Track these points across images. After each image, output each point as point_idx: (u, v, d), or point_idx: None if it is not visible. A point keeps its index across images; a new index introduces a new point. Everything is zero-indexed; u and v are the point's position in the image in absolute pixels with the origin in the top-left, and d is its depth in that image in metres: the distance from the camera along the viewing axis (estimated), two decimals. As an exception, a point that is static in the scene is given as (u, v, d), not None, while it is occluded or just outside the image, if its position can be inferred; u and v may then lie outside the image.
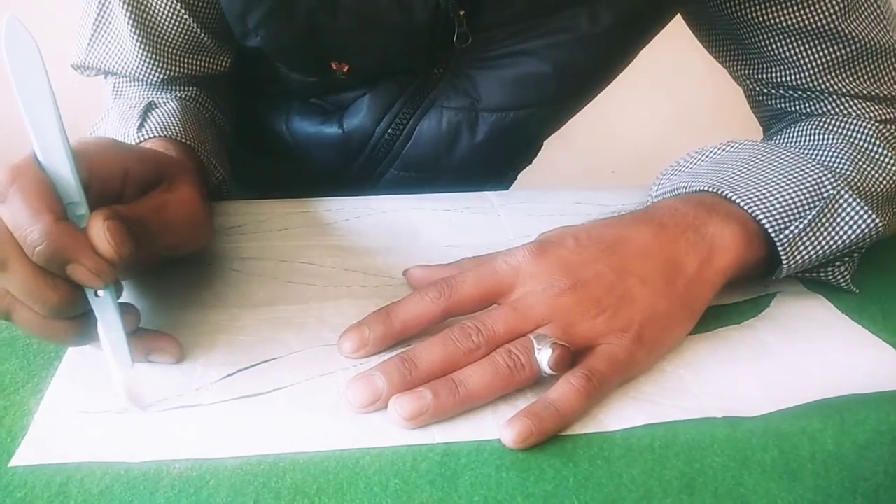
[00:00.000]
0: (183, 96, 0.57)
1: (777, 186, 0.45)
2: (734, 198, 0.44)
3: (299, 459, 0.33)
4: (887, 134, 0.52)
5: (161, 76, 0.56)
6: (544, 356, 0.36)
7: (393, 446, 0.34)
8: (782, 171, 0.46)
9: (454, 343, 0.37)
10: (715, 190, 0.45)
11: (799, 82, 0.55)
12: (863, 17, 0.52)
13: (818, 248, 0.44)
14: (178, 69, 0.57)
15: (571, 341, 0.37)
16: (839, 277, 0.47)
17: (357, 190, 0.65)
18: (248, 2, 0.52)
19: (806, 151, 0.50)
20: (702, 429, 0.36)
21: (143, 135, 0.49)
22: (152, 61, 0.55)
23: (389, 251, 0.49)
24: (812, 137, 0.53)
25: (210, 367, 0.38)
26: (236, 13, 0.53)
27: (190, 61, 0.57)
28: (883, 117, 0.53)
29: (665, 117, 1.64)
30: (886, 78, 0.53)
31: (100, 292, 0.34)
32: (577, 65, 0.57)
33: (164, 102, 0.54)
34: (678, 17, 0.61)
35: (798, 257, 0.43)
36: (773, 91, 0.57)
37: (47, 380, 0.37)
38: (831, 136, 0.52)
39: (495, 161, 0.66)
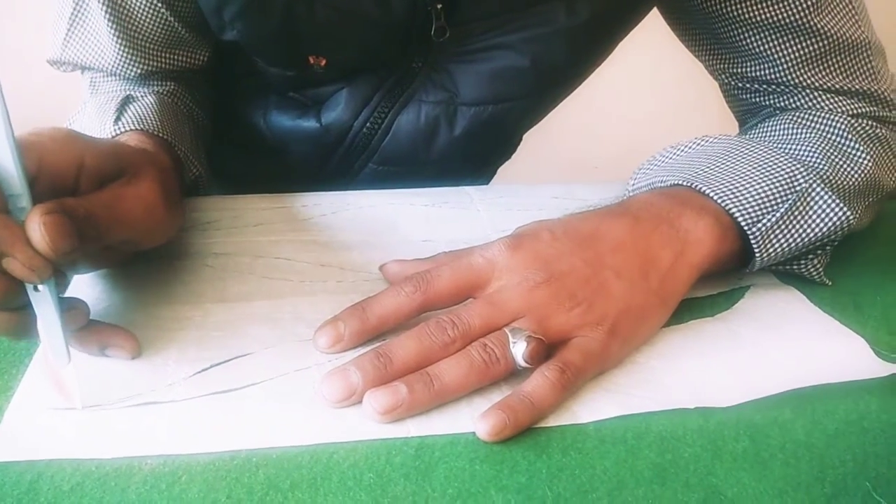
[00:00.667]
0: (161, 90, 0.57)
1: (750, 180, 0.45)
2: (708, 191, 0.44)
3: (272, 454, 0.33)
4: (859, 128, 0.52)
5: (138, 70, 0.56)
6: (519, 349, 0.36)
7: (367, 440, 0.34)
8: (755, 165, 0.46)
9: (429, 337, 0.37)
10: (689, 184, 0.45)
11: (773, 77, 0.55)
12: (834, 12, 0.52)
13: (791, 240, 0.44)
14: (155, 63, 0.56)
15: (546, 334, 0.37)
16: (812, 270, 0.47)
17: (335, 185, 0.65)
18: None
19: (779, 145, 0.51)
20: (674, 420, 0.36)
21: (119, 128, 0.48)
22: (129, 56, 0.55)
23: (366, 246, 0.49)
24: (785, 132, 0.54)
25: (183, 362, 0.37)
26: (212, 7, 0.53)
27: (167, 56, 0.57)
28: (855, 111, 0.54)
29: (647, 112, 1.65)
30: (858, 72, 0.54)
31: (39, 287, 0.33)
32: (555, 58, 0.57)
33: (141, 96, 0.54)
34: (656, 12, 0.62)
35: (771, 250, 0.44)
36: (748, 85, 0.58)
37: (17, 377, 0.36)
38: (804, 131, 0.53)
39: (473, 155, 0.66)
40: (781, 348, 0.41)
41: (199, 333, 0.40)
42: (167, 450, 0.33)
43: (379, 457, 0.33)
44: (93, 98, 0.55)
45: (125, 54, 0.55)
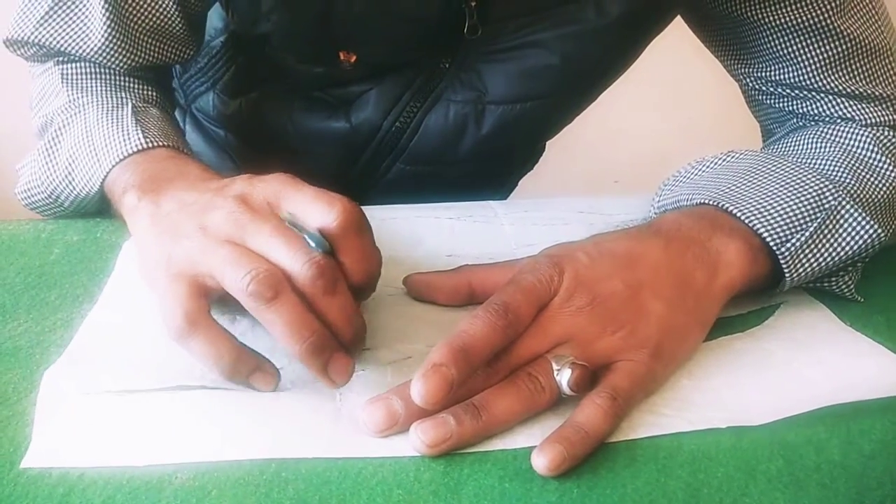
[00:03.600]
0: (147, 97, 0.55)
1: (778, 198, 0.45)
2: (734, 211, 0.44)
3: (301, 469, 0.33)
4: (884, 140, 0.52)
5: (125, 62, 0.54)
6: (564, 377, 0.35)
7: (395, 456, 0.34)
8: (783, 183, 0.46)
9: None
10: (715, 203, 0.45)
11: (796, 80, 0.55)
12: (857, 15, 0.52)
13: (821, 260, 0.44)
14: (141, 56, 0.55)
15: (590, 359, 0.36)
16: (843, 287, 0.47)
17: (361, 187, 0.65)
18: None
19: (806, 162, 0.50)
20: (706, 439, 0.35)
21: (149, 142, 0.48)
22: (117, 44, 0.53)
23: (391, 260, 0.49)
24: (810, 146, 0.54)
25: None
26: None
27: (156, 47, 0.55)
28: (877, 120, 0.54)
29: (668, 126, 1.64)
30: (880, 77, 0.54)
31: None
32: (584, 56, 0.57)
33: (144, 107, 0.53)
34: (680, 21, 0.62)
35: (801, 269, 0.43)
36: (772, 89, 0.58)
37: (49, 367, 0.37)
38: (829, 146, 0.53)
39: (501, 156, 0.66)
40: (813, 366, 0.41)
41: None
42: (197, 456, 0.33)
43: (408, 473, 0.33)
44: (90, 100, 0.53)
45: (114, 42, 0.53)
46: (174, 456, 0.33)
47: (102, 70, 0.55)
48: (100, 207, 0.50)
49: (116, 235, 0.50)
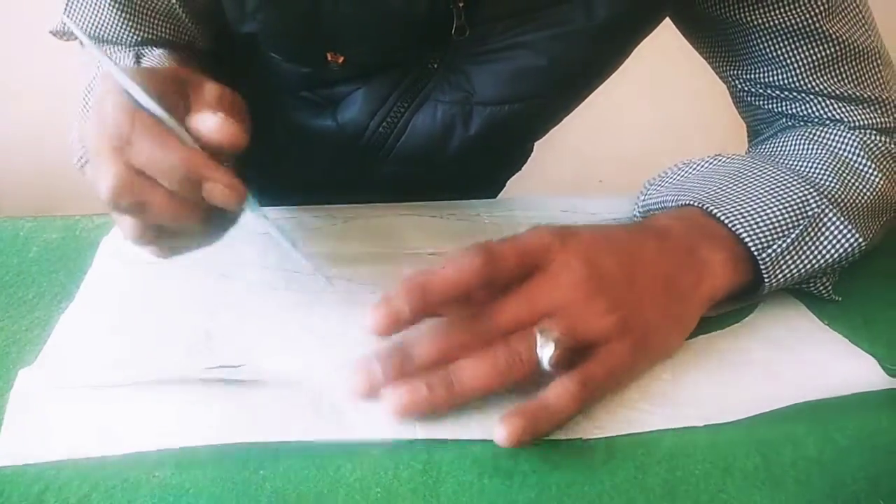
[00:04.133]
0: (167, 51, 0.56)
1: (761, 203, 0.45)
2: (718, 214, 0.44)
3: (279, 467, 0.33)
4: (871, 144, 0.52)
5: (138, 36, 0.55)
6: (546, 352, 0.35)
7: (374, 453, 0.34)
8: (767, 188, 0.46)
9: (455, 332, 0.36)
10: (700, 205, 0.45)
11: (785, 82, 0.56)
12: (845, 18, 0.53)
13: (800, 266, 0.44)
14: (155, 31, 0.55)
15: (576, 336, 0.36)
16: (821, 288, 0.47)
17: (350, 185, 0.64)
18: None
19: (792, 166, 0.51)
20: (684, 436, 0.36)
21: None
22: (127, 20, 0.54)
23: (374, 258, 0.49)
24: (796, 148, 0.54)
25: (192, 363, 0.38)
26: None
27: (167, 26, 0.56)
28: (864, 122, 0.54)
29: (653, 127, 1.65)
30: (867, 79, 0.54)
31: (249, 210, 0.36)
32: (572, 58, 0.57)
33: (150, 50, 0.54)
34: (668, 24, 0.62)
35: (780, 275, 0.44)
36: (760, 91, 0.58)
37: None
38: (815, 147, 0.53)
39: (488, 157, 0.66)
40: (789, 364, 0.41)
41: (208, 340, 0.40)
42: (172, 442, 0.33)
43: (386, 471, 0.33)
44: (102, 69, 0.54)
45: (122, 18, 0.54)
46: (149, 444, 0.33)
47: (122, 47, 0.56)
48: None
49: (95, 234, 0.50)
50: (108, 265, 0.46)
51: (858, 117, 0.54)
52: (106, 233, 0.50)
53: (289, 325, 0.41)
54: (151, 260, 0.45)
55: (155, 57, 0.53)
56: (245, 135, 0.35)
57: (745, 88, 0.59)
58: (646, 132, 1.64)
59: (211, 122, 0.35)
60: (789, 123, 0.58)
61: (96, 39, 0.56)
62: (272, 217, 0.37)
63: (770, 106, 0.58)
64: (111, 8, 0.54)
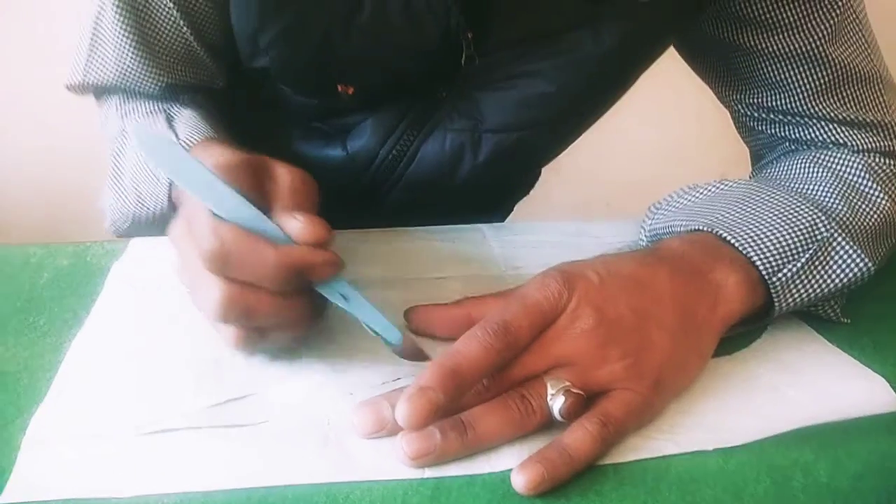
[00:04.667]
0: (189, 102, 0.57)
1: (771, 228, 0.45)
2: (729, 238, 0.44)
3: (288, 495, 0.33)
4: (875, 167, 0.52)
5: (160, 82, 0.56)
6: (557, 403, 0.35)
7: (383, 480, 0.34)
8: (776, 212, 0.46)
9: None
10: (710, 229, 0.45)
11: (788, 106, 0.56)
12: (848, 43, 0.53)
13: (810, 291, 0.44)
14: (174, 76, 0.57)
15: (587, 385, 0.36)
16: (829, 312, 0.47)
17: (359, 212, 0.65)
18: (262, 20, 0.52)
19: (798, 189, 0.51)
20: (694, 461, 0.35)
21: (182, 143, 0.49)
22: (150, 67, 0.55)
23: (381, 283, 0.49)
24: (802, 171, 0.54)
25: (199, 394, 0.38)
26: (248, 32, 0.53)
27: (187, 70, 0.57)
28: (868, 146, 0.54)
29: (659, 150, 1.66)
30: (869, 104, 0.54)
31: (344, 292, 0.38)
32: (580, 85, 0.58)
33: (178, 112, 0.55)
34: (671, 51, 0.62)
35: (790, 299, 0.44)
36: (763, 115, 0.58)
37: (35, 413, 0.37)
38: (821, 171, 0.53)
39: (497, 183, 0.66)
40: (799, 387, 0.41)
41: (216, 368, 0.40)
42: (182, 486, 0.33)
43: (395, 498, 0.33)
44: (129, 121, 0.56)
45: (146, 66, 0.55)
46: (159, 487, 0.33)
47: (145, 98, 0.58)
48: None
49: (106, 259, 0.50)
50: (119, 291, 0.47)
51: (861, 141, 0.54)
52: (116, 258, 0.50)
53: (297, 350, 0.42)
54: (162, 286, 0.46)
55: (185, 118, 0.54)
56: (327, 229, 0.37)
57: (748, 113, 0.60)
58: (653, 156, 1.65)
59: (294, 226, 0.36)
60: (792, 148, 0.58)
61: (121, 90, 0.58)
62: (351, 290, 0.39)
63: (773, 130, 0.58)
64: (134, 55, 0.55)
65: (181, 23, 0.54)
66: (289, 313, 0.37)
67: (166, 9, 0.53)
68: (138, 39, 0.54)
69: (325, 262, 0.37)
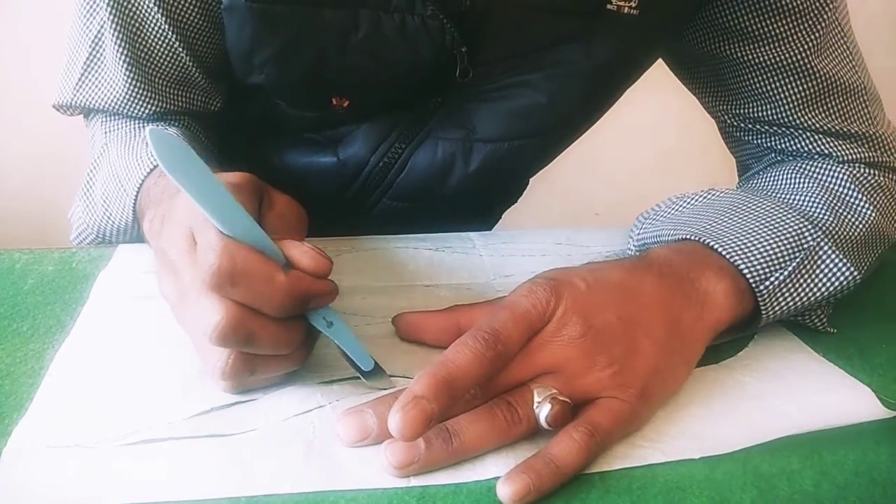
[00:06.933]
0: (177, 125, 0.57)
1: (758, 236, 0.45)
2: (716, 247, 0.44)
3: (273, 502, 0.32)
4: (861, 177, 0.53)
5: (150, 109, 0.56)
6: (543, 411, 0.35)
7: (368, 489, 0.33)
8: (763, 221, 0.47)
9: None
10: (698, 238, 0.45)
11: (773, 117, 0.57)
12: (833, 55, 0.54)
13: (797, 299, 0.44)
14: (168, 102, 0.56)
15: (574, 393, 0.36)
16: (816, 321, 0.47)
17: (349, 222, 0.65)
18: (258, 40, 0.52)
19: (785, 199, 0.51)
20: (680, 470, 0.35)
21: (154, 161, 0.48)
22: (141, 93, 0.55)
23: (370, 291, 0.49)
24: (789, 182, 0.55)
25: (185, 402, 0.37)
26: (243, 51, 0.53)
27: (181, 95, 0.57)
28: (853, 156, 0.55)
29: (648, 161, 1.67)
30: (854, 115, 0.55)
31: (329, 318, 0.38)
32: (572, 96, 0.58)
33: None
34: (660, 62, 0.63)
35: (777, 307, 0.44)
36: (749, 126, 0.59)
37: (18, 422, 0.36)
38: (807, 181, 0.53)
39: (486, 193, 0.67)
40: (786, 395, 0.41)
41: (201, 378, 0.39)
42: (165, 496, 0.32)
43: (381, 506, 0.33)
44: (112, 138, 0.55)
45: (137, 92, 0.55)
46: (143, 497, 0.32)
47: (132, 120, 0.57)
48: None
49: (92, 266, 0.50)
50: (105, 299, 0.46)
51: (846, 152, 0.55)
52: (102, 265, 0.50)
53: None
54: (148, 294, 0.45)
55: None
56: (331, 259, 0.37)
57: (734, 123, 0.60)
58: (641, 166, 1.66)
59: (302, 254, 0.37)
60: (778, 158, 0.59)
61: (110, 113, 0.57)
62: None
63: (759, 141, 0.59)
64: (126, 82, 0.54)
65: (177, 45, 0.54)
66: (287, 340, 0.36)
67: (162, 33, 0.53)
68: (133, 65, 0.54)
69: (329, 291, 0.37)
